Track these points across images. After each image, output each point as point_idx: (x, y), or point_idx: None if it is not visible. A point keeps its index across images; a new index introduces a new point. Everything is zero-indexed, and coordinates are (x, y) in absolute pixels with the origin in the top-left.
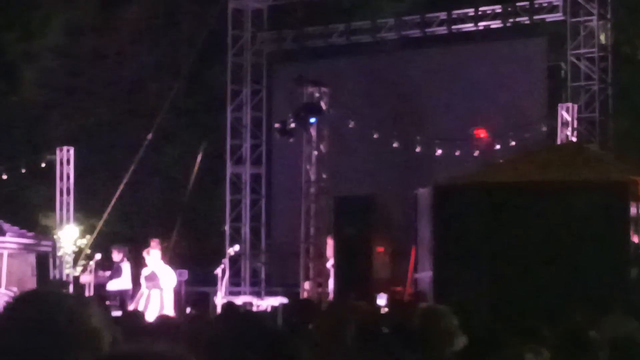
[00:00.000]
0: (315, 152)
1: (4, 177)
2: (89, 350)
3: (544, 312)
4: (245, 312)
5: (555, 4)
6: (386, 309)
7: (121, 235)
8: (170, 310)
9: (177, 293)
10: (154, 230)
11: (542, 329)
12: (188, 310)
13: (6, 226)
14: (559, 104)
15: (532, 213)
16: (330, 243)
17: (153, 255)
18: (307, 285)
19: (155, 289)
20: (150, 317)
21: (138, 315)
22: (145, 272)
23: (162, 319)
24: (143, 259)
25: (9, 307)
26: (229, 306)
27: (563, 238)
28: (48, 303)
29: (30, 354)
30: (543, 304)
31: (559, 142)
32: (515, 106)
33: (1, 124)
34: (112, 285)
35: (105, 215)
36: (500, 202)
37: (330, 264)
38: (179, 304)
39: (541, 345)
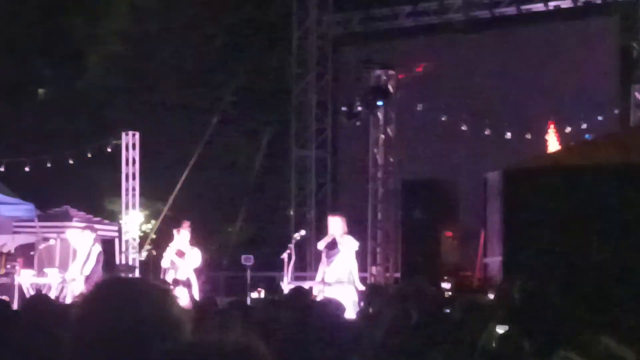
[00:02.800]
0: (383, 136)
1: (70, 161)
2: (170, 340)
3: (620, 301)
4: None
5: None
6: (450, 293)
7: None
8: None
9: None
10: (220, 215)
11: (618, 318)
12: (257, 294)
13: (72, 211)
14: (632, 85)
15: (606, 197)
16: (331, 220)
17: (182, 235)
18: (374, 269)
19: (185, 265)
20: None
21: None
22: (173, 246)
23: (234, 303)
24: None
25: (92, 293)
26: (297, 291)
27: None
28: (130, 291)
29: (112, 341)
30: (619, 293)
31: (631, 124)
32: (586, 87)
33: (67, 109)
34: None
35: (170, 200)
36: (573, 185)
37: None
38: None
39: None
